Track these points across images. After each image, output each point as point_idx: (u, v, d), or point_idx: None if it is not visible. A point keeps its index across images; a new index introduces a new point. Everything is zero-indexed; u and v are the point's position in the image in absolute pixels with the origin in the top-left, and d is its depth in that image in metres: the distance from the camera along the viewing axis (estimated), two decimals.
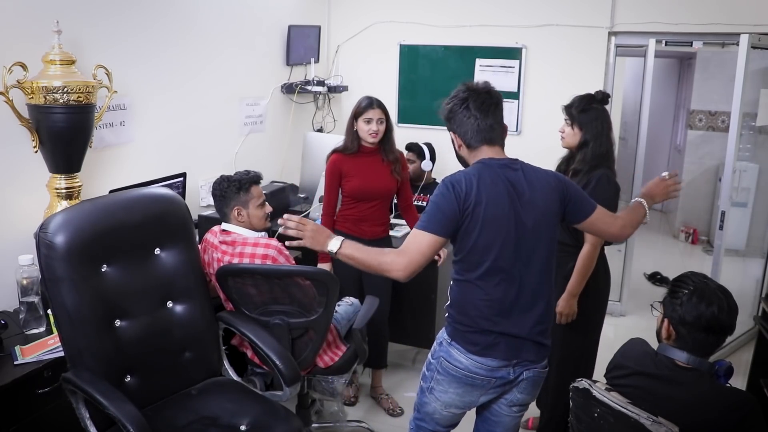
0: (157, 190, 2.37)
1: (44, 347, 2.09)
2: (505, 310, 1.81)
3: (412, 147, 3.96)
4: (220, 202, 2.53)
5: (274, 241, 2.47)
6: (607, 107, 2.58)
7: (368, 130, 2.86)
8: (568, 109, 2.60)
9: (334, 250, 1.81)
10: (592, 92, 2.58)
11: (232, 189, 2.50)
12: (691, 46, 4.24)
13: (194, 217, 2.73)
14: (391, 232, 3.21)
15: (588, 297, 2.49)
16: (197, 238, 2.52)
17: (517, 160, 1.88)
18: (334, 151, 2.98)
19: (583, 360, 2.61)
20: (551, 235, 1.85)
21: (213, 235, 2.53)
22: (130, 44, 2.85)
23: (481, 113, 1.85)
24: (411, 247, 1.78)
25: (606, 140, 2.55)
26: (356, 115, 2.88)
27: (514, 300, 1.82)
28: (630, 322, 4.22)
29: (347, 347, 2.61)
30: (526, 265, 1.82)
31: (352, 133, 2.91)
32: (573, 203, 1.88)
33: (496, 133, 1.88)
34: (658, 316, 1.79)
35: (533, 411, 2.92)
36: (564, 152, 2.70)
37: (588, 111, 2.54)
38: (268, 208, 2.60)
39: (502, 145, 1.91)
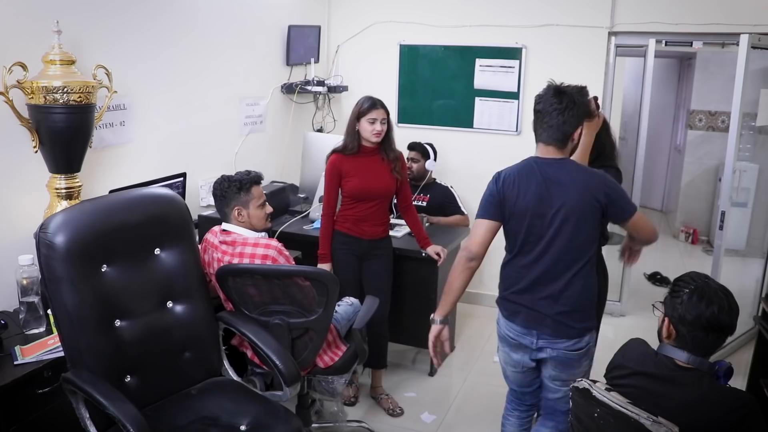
0: (157, 190, 2.37)
1: (44, 347, 2.09)
2: (527, 287, 2.12)
3: (416, 146, 3.96)
4: (221, 202, 2.53)
5: (274, 242, 2.47)
6: (601, 111, 2.52)
7: (372, 130, 2.87)
8: None
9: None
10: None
11: (232, 189, 2.50)
12: (691, 46, 4.24)
13: (194, 217, 2.73)
14: (391, 233, 3.21)
15: None
16: (197, 238, 2.52)
17: (563, 159, 2.08)
18: (334, 152, 2.98)
19: None
20: (581, 227, 2.04)
21: (213, 235, 2.53)
22: (130, 44, 2.85)
23: (546, 115, 2.05)
24: (472, 232, 2.19)
25: (605, 141, 2.54)
26: (359, 115, 2.88)
27: (535, 280, 2.10)
28: (630, 323, 4.22)
29: (347, 347, 2.61)
30: (547, 252, 2.07)
31: (353, 133, 2.90)
32: (614, 204, 2.06)
33: (555, 135, 2.05)
34: (659, 315, 1.79)
35: None
36: None
37: None
38: (269, 209, 2.60)
39: (559, 146, 2.07)
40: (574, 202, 2.02)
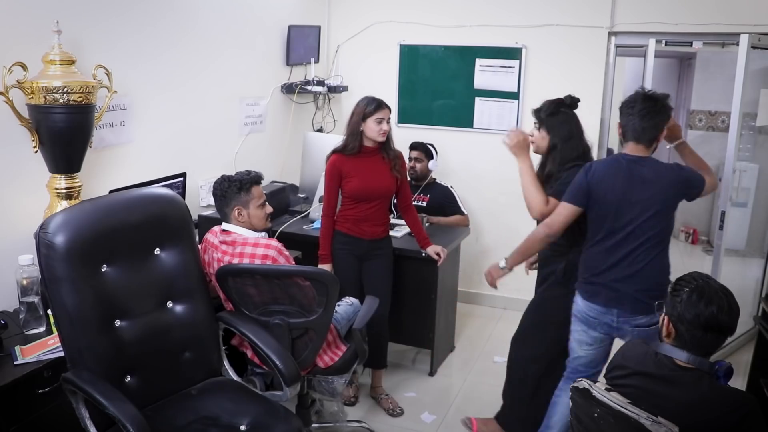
0: (157, 190, 2.37)
1: (44, 347, 2.09)
2: (608, 269, 2.33)
3: (418, 146, 3.96)
4: (221, 202, 2.53)
5: (274, 242, 2.47)
6: (577, 111, 2.62)
7: (379, 130, 2.88)
8: (537, 112, 2.66)
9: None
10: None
11: (233, 189, 2.50)
12: (691, 46, 4.23)
13: (194, 217, 2.73)
14: (391, 233, 3.21)
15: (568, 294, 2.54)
16: (197, 238, 2.52)
17: (647, 157, 2.33)
18: (334, 152, 2.97)
19: (556, 355, 2.64)
20: (660, 218, 2.31)
21: (213, 235, 2.53)
22: (130, 44, 2.85)
23: (639, 117, 2.30)
24: (556, 213, 2.40)
25: (578, 143, 2.59)
26: (366, 115, 2.87)
27: (617, 263, 2.31)
28: None
29: (347, 347, 2.61)
30: (631, 238, 2.30)
31: (356, 133, 2.90)
32: (691, 185, 2.36)
33: (646, 136, 2.31)
34: (660, 315, 1.79)
35: None
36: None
37: (556, 115, 2.59)
38: (269, 209, 2.60)
39: (648, 146, 2.33)
40: (658, 196, 2.28)
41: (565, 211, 2.38)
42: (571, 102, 2.63)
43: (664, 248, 2.37)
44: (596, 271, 2.37)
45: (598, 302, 2.37)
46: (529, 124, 4.27)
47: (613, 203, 2.30)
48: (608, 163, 2.38)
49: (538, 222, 2.54)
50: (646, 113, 2.30)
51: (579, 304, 2.46)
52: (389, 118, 2.92)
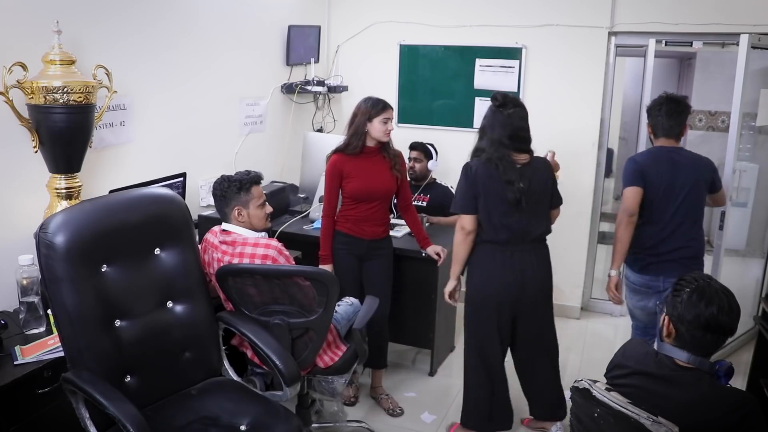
0: (157, 190, 2.37)
1: (44, 347, 2.09)
2: (657, 244, 2.76)
3: (418, 146, 3.96)
4: (221, 202, 2.53)
5: (274, 242, 2.47)
6: (503, 111, 2.61)
7: (385, 130, 2.89)
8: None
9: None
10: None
11: (232, 189, 2.50)
12: (691, 46, 4.23)
13: (194, 217, 2.73)
14: (391, 233, 3.21)
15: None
16: (197, 238, 2.52)
17: (681, 147, 2.81)
18: (335, 152, 2.97)
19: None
20: (698, 196, 2.76)
21: (213, 235, 2.53)
22: (130, 44, 2.85)
23: (666, 117, 2.77)
24: (626, 197, 2.76)
25: (486, 137, 2.63)
26: (372, 115, 2.88)
27: (665, 237, 2.74)
28: (630, 323, 4.21)
29: (347, 347, 2.61)
30: (675, 214, 2.73)
31: (361, 133, 2.90)
32: (716, 179, 2.82)
33: (674, 131, 2.78)
34: (661, 315, 1.79)
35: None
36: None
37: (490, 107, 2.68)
38: (269, 209, 2.60)
39: (678, 139, 2.80)
40: (693, 179, 2.72)
41: (630, 193, 2.74)
42: (493, 98, 2.67)
43: (700, 222, 2.81)
44: (648, 245, 2.77)
45: (650, 272, 2.78)
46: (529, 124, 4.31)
47: (660, 186, 2.71)
48: (650, 153, 2.84)
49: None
50: (672, 113, 2.76)
51: (630, 277, 2.88)
52: (393, 118, 2.94)
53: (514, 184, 2.57)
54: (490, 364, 2.77)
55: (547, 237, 2.76)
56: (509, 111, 2.61)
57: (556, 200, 2.75)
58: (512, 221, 2.61)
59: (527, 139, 2.66)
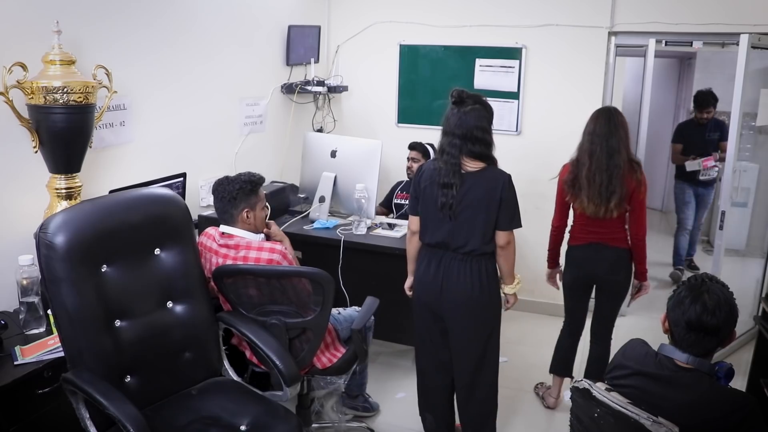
0: (157, 190, 2.37)
1: (44, 347, 2.09)
2: None
3: (417, 146, 3.96)
4: (229, 204, 2.50)
5: (278, 245, 2.47)
6: (460, 108, 2.45)
7: None
8: None
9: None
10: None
11: (244, 191, 2.49)
12: (691, 46, 4.23)
13: (194, 217, 2.73)
14: (391, 233, 3.21)
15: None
16: (197, 239, 2.52)
17: None
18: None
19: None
20: None
21: (210, 240, 2.51)
22: (129, 44, 2.85)
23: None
24: None
25: (441, 136, 2.52)
26: None
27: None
28: (630, 323, 4.21)
29: (347, 349, 2.61)
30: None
31: None
32: None
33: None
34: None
35: None
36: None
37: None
38: (268, 209, 2.60)
39: None
40: None
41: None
42: (449, 94, 2.52)
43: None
44: None
45: None
46: (529, 124, 4.32)
47: None
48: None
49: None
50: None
51: None
52: None
53: (451, 189, 2.38)
54: (425, 373, 2.71)
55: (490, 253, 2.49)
56: (465, 109, 2.41)
57: (502, 222, 2.41)
58: (442, 228, 2.44)
59: (484, 142, 2.40)
